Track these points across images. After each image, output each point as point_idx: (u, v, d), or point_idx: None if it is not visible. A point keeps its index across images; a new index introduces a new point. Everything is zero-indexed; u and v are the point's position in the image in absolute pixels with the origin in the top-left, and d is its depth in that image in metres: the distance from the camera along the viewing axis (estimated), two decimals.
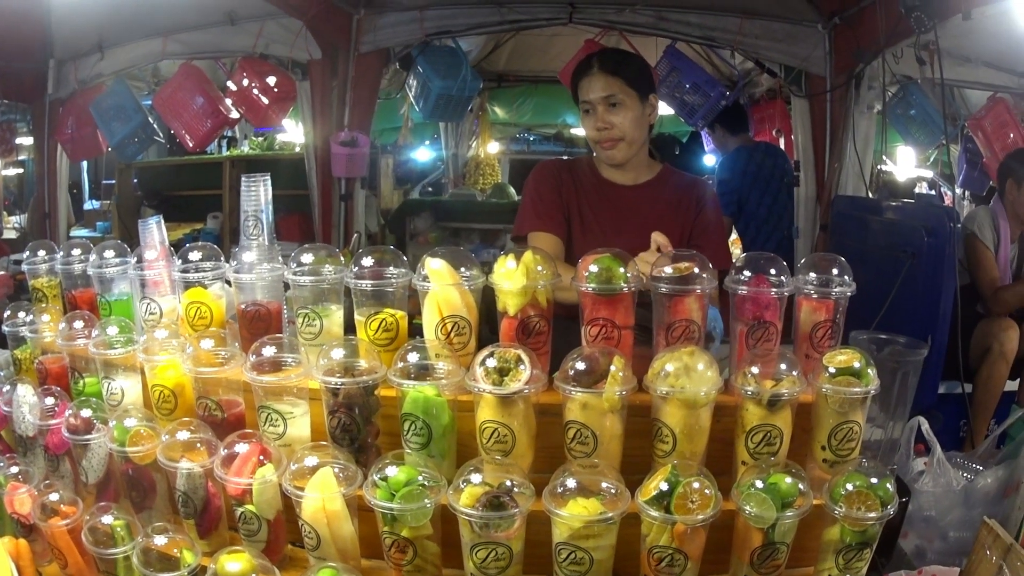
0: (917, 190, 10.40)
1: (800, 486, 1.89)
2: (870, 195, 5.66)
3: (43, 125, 6.69)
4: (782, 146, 6.91)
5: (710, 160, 7.68)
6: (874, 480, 1.90)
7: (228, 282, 2.44)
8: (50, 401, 2.37)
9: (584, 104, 3.01)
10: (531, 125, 10.87)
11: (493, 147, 10.67)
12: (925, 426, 3.19)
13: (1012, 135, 5.91)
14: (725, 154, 6.08)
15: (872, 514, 1.87)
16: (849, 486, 1.89)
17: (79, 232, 8.90)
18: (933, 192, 10.26)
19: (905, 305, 4.07)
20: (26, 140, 8.01)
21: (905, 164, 9.49)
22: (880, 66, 4.99)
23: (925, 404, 3.76)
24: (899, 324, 3.89)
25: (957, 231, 4.20)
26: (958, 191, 7.57)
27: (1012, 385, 4.42)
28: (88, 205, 11.35)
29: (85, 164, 11.50)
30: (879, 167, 6.78)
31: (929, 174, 10.05)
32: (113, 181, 9.01)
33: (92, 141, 6.63)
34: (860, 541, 1.92)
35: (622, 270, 2.11)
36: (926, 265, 4.08)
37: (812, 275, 2.17)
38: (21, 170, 10.73)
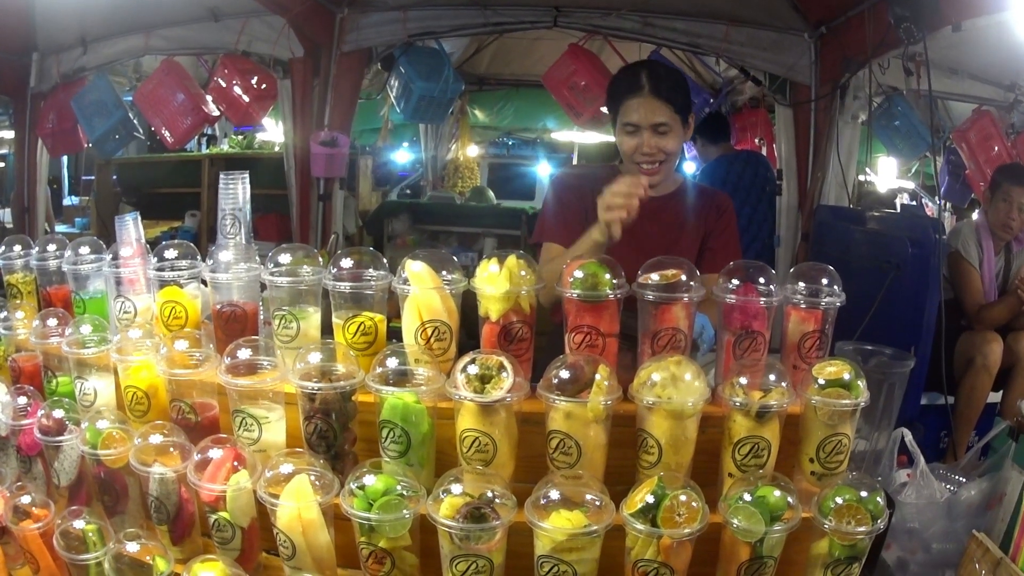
0: (898, 201, 10.45)
1: (788, 499, 1.85)
2: (852, 206, 5.66)
3: (24, 118, 6.65)
4: (764, 154, 6.91)
5: (690, 167, 7.68)
6: (864, 493, 1.86)
7: (204, 281, 2.38)
8: (23, 400, 2.31)
9: (628, 126, 2.82)
10: (512, 129, 10.90)
11: (472, 150, 10.69)
12: (909, 438, 3.18)
13: (996, 148, 5.94)
14: (706, 163, 6.06)
15: (862, 528, 1.83)
16: (838, 499, 1.85)
17: (58, 228, 8.81)
18: (914, 203, 10.30)
19: (888, 316, 4.05)
20: (7, 134, 7.90)
21: (886, 175, 9.52)
22: (866, 76, 4.99)
23: (908, 416, 3.75)
24: (882, 335, 3.87)
25: (942, 242, 4.20)
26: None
27: (995, 397, 4.43)
28: (68, 201, 11.23)
29: (65, 159, 11.39)
30: (861, 177, 6.79)
31: (910, 185, 10.10)
32: (93, 177, 8.92)
33: (73, 136, 6.59)
34: (849, 555, 1.88)
35: (608, 276, 2.06)
36: (910, 276, 4.07)
37: (801, 284, 2.13)
38: (2, 164, 10.59)
